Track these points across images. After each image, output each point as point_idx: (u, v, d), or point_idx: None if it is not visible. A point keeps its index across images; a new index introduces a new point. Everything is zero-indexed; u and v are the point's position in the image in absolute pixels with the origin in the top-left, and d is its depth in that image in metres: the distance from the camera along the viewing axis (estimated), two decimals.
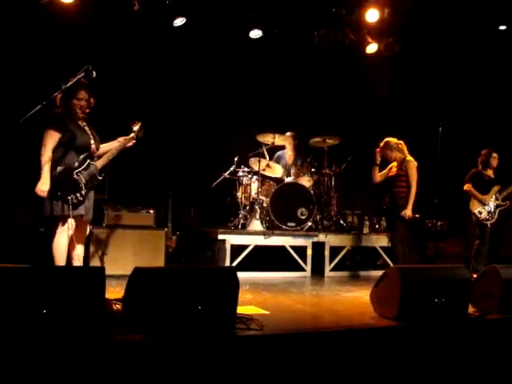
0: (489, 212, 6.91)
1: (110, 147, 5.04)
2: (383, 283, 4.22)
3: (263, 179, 7.96)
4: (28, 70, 7.33)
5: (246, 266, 7.04)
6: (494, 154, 7.12)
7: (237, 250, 7.19)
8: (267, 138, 8.11)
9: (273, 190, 7.64)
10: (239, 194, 8.02)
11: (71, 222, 4.74)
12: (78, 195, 4.70)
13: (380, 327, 3.85)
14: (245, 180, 7.98)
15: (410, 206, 6.42)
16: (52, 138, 4.67)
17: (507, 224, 7.41)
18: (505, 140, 8.10)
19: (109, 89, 7.44)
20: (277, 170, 8.14)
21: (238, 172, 8.09)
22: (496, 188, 6.99)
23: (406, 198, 6.47)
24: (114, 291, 4.68)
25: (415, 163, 6.57)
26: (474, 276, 5.07)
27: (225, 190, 8.38)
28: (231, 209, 8.20)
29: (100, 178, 4.94)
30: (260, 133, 8.03)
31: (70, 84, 4.45)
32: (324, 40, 8.75)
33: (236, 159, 8.06)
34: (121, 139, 5.05)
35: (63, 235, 4.71)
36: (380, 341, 3.67)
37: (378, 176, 6.75)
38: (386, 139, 6.70)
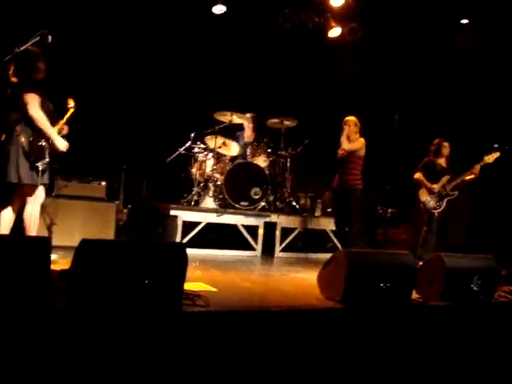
0: (436, 201, 7.05)
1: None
2: (331, 266, 4.27)
3: (219, 157, 7.91)
4: None
5: (197, 242, 7.02)
6: (445, 144, 7.23)
7: (189, 226, 7.16)
8: (224, 117, 8.06)
9: (227, 169, 7.62)
10: (194, 171, 7.96)
11: (42, 190, 4.78)
12: (45, 162, 4.72)
13: (324, 309, 3.91)
14: (200, 157, 7.92)
15: None
16: (37, 101, 4.62)
17: (455, 214, 7.59)
18: (459, 130, 8.27)
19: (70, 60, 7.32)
20: (233, 149, 8.10)
21: (193, 148, 8.02)
22: (446, 178, 7.10)
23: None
24: (61, 262, 4.62)
25: None
26: (420, 263, 5.18)
27: (180, 165, 8.31)
28: (185, 185, 8.14)
29: None
30: (217, 110, 7.97)
31: (24, 48, 4.33)
32: (288, 20, 8.71)
33: (192, 135, 7.99)
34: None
35: (36, 204, 4.70)
36: (324, 322, 3.73)
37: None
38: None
